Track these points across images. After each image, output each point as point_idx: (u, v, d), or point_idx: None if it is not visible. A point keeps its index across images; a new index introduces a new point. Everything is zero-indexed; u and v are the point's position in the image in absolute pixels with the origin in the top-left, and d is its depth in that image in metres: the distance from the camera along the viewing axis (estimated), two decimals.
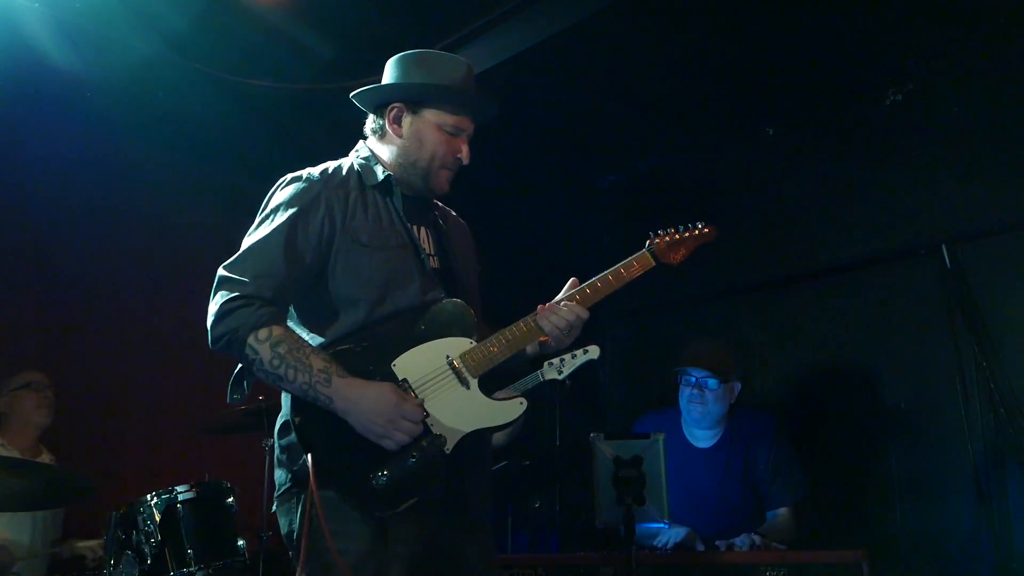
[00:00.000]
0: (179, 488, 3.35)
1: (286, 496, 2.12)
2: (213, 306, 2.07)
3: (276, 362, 2.01)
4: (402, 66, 2.31)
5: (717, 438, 3.64)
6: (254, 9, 3.73)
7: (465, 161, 2.31)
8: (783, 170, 4.45)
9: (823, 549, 3.25)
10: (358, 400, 2.01)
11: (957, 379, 3.74)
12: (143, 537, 3.28)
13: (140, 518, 3.30)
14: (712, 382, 3.56)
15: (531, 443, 4.89)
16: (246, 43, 3.95)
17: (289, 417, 2.08)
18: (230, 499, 3.48)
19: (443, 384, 2.13)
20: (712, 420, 3.60)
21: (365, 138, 2.38)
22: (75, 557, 3.75)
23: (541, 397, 3.93)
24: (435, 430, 2.08)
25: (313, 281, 2.16)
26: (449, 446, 2.08)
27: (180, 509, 3.31)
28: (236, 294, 2.05)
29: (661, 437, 2.80)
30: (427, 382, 2.12)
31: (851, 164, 4.20)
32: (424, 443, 2.04)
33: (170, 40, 3.86)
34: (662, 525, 2.77)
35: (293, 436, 2.07)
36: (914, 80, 3.96)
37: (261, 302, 2.05)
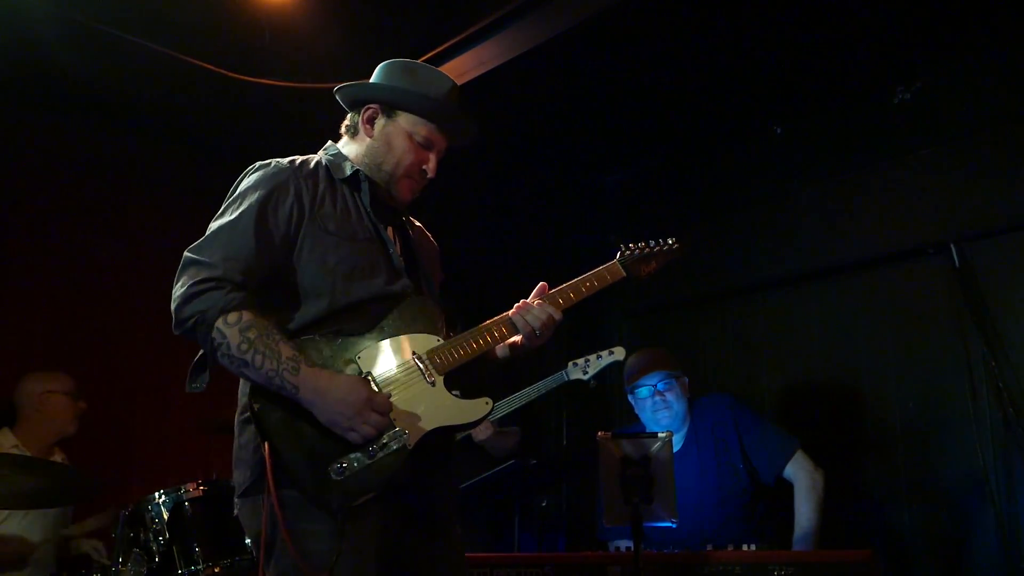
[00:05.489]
0: (187, 486, 3.36)
1: (249, 496, 2.04)
2: (179, 288, 2.01)
3: (244, 347, 1.95)
4: (388, 70, 2.32)
5: (683, 439, 3.68)
6: (257, 7, 3.74)
7: (430, 175, 2.29)
8: (791, 168, 4.44)
9: (831, 549, 3.25)
10: (327, 390, 1.95)
11: (965, 378, 3.73)
12: (151, 535, 3.29)
13: (148, 516, 3.30)
14: (667, 383, 3.65)
15: (538, 442, 4.89)
16: (249, 41, 3.95)
17: (247, 404, 2.02)
18: None
19: (408, 380, 2.09)
20: (680, 420, 3.67)
21: (337, 139, 2.38)
22: (81, 555, 3.76)
23: (548, 396, 3.94)
24: (398, 425, 2.03)
25: (279, 267, 2.10)
26: (412, 442, 2.03)
27: (188, 507, 3.31)
28: (204, 276, 1.99)
29: (669, 436, 2.79)
30: (392, 378, 2.08)
31: (859, 162, 4.19)
32: (386, 438, 1.99)
33: (172, 38, 3.88)
34: (670, 524, 2.76)
35: (252, 429, 2.02)
36: (923, 78, 3.94)
37: (231, 285, 2.00)
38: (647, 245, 2.46)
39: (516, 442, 4.08)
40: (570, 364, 3.71)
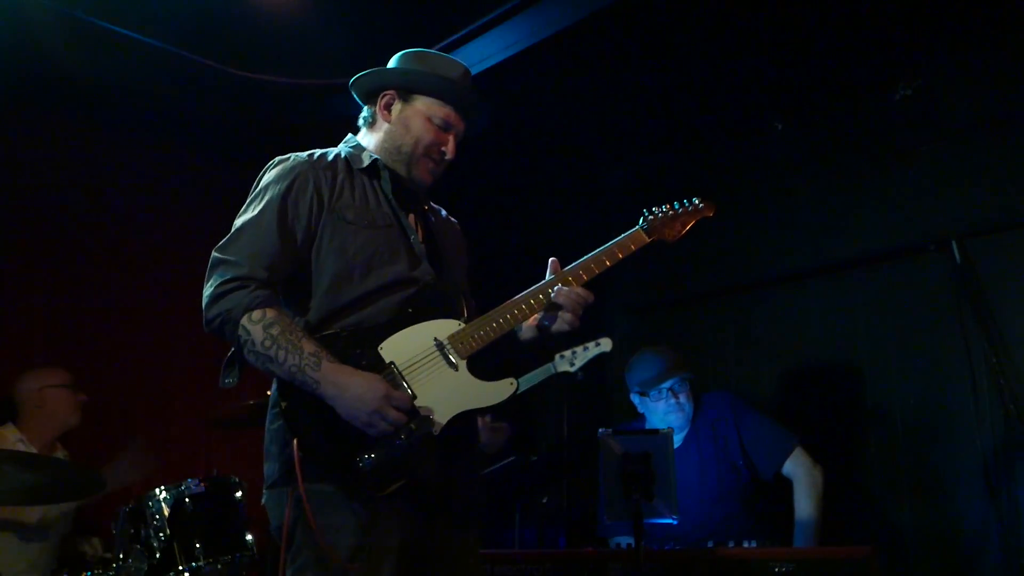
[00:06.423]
0: (188, 482, 3.37)
1: (276, 489, 2.09)
2: (208, 288, 2.08)
3: (268, 343, 2.01)
4: (401, 58, 2.37)
5: (684, 436, 3.68)
6: (260, 3, 3.73)
7: (450, 155, 2.30)
8: (792, 165, 4.44)
9: (831, 545, 3.25)
10: (346, 386, 1.99)
11: (967, 375, 3.72)
12: (152, 531, 3.30)
13: (149, 512, 3.31)
14: (682, 384, 3.63)
15: (538, 439, 4.90)
16: (252, 38, 3.95)
17: (276, 400, 2.07)
18: (239, 493, 3.49)
19: (431, 366, 2.12)
20: (689, 418, 3.66)
21: (356, 132, 2.42)
22: (79, 552, 3.77)
23: (549, 392, 3.93)
24: (423, 412, 2.06)
25: (303, 259, 2.16)
26: (437, 428, 2.07)
27: (189, 503, 3.32)
28: (231, 275, 2.06)
29: (670, 432, 2.80)
30: (414, 364, 2.11)
31: (860, 159, 4.18)
32: (412, 425, 2.03)
33: (175, 35, 3.87)
34: (671, 521, 2.76)
35: (281, 424, 2.07)
36: (924, 75, 3.94)
37: (256, 283, 2.07)
38: (671, 207, 2.41)
39: (506, 438, 4.08)
40: (557, 356, 3.69)
